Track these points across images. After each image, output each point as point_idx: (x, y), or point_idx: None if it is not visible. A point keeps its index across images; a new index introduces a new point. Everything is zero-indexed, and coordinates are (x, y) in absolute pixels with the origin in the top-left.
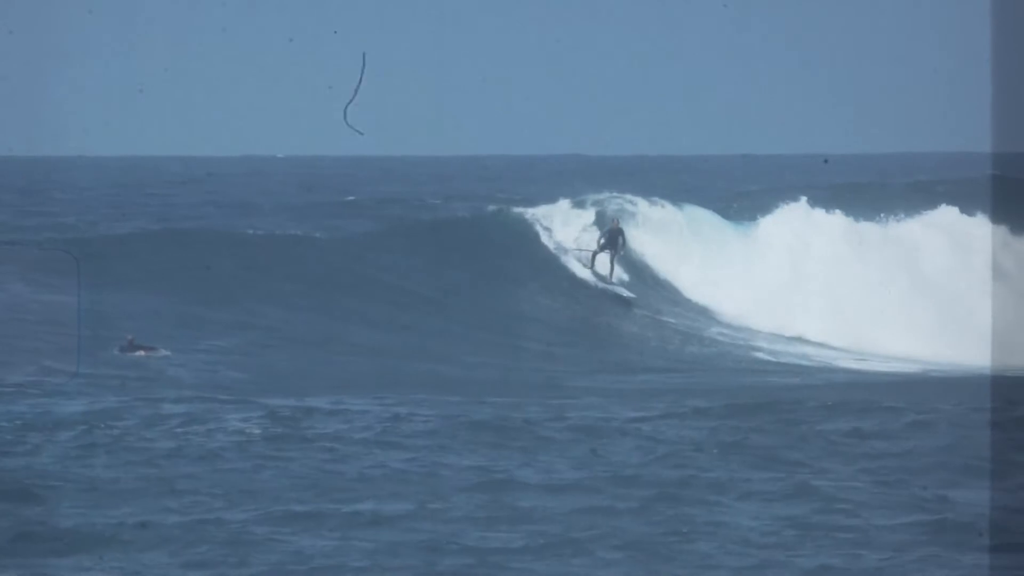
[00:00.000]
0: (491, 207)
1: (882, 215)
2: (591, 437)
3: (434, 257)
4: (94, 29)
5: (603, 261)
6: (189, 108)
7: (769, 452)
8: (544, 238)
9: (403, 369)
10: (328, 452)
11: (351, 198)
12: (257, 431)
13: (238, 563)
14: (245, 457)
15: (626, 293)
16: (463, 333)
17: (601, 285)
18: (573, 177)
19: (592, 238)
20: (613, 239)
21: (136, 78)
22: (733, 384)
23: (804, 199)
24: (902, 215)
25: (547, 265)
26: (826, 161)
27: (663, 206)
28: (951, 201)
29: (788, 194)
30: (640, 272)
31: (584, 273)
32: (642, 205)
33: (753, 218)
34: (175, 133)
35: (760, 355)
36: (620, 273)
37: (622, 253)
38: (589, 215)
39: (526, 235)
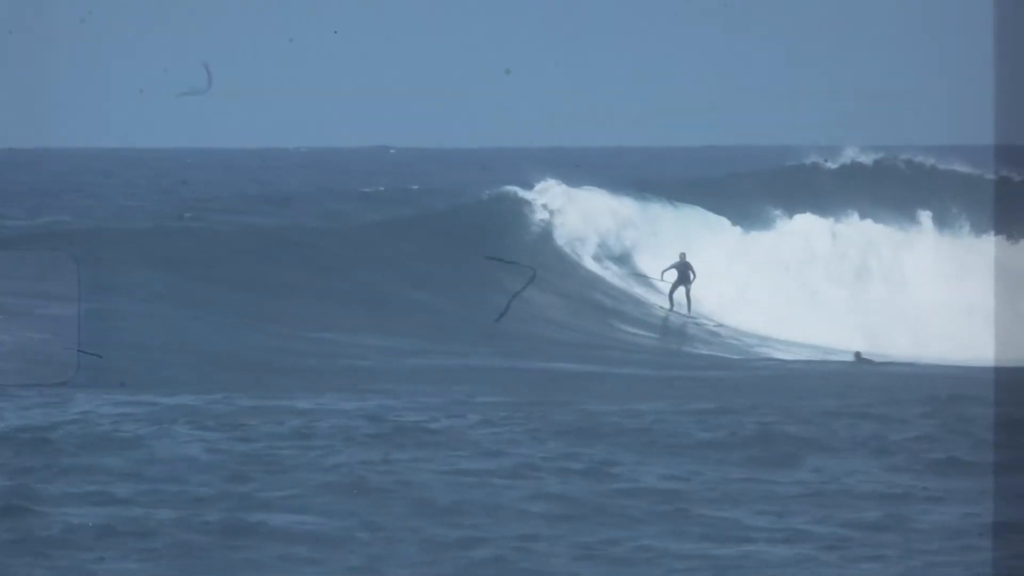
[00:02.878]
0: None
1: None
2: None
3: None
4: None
5: (680, 295)
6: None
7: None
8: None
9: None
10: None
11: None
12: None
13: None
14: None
15: (710, 324)
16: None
17: (682, 318)
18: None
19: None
20: (684, 273)
21: (137, 79)
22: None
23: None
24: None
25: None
26: (825, 161)
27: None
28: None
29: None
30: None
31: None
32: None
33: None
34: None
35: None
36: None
37: (693, 284)
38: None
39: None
